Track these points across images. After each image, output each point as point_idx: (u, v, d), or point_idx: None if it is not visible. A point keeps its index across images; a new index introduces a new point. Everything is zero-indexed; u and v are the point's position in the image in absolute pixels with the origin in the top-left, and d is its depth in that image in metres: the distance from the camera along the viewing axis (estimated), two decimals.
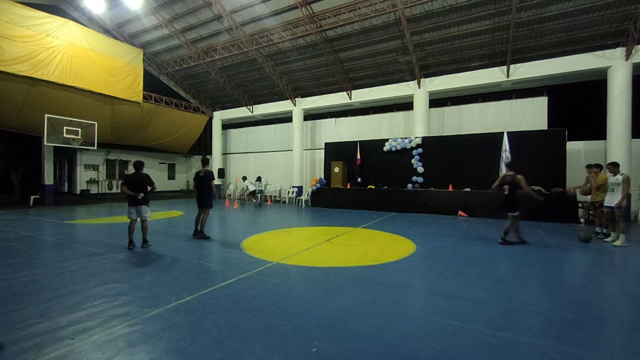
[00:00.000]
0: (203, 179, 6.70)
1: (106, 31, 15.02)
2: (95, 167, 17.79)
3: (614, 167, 6.56)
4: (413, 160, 12.28)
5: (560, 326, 2.87)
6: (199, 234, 6.71)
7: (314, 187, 13.68)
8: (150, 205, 6.13)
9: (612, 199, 6.39)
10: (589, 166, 7.70)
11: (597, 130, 10.69)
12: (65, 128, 12.26)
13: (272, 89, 16.78)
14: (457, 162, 11.47)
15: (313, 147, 17.03)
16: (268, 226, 8.68)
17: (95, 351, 2.42)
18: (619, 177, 6.32)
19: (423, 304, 3.45)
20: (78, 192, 16.93)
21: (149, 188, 5.88)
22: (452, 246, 6.13)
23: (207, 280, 4.07)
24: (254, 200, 15.82)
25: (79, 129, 12.75)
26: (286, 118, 17.38)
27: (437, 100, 13.65)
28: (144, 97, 15.14)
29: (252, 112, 17.81)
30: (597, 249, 5.97)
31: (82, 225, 8.57)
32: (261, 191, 17.12)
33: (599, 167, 7.41)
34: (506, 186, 6.44)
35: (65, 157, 17.59)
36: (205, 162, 6.97)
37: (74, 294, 3.57)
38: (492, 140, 10.80)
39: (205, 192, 6.72)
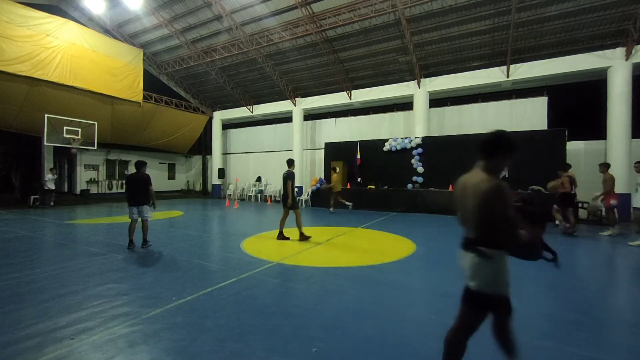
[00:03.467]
0: (284, 180, 6.55)
1: (106, 31, 15.01)
2: (95, 167, 17.78)
3: None
4: (413, 160, 12.26)
5: (561, 326, 2.86)
6: (280, 235, 6.57)
7: (314, 187, 13.67)
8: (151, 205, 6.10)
9: (637, 199, 6.24)
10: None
11: (597, 130, 10.68)
12: (65, 128, 12.26)
13: (272, 89, 16.76)
14: (457, 162, 11.43)
15: (313, 147, 17.01)
16: (268, 226, 8.67)
17: (95, 351, 2.42)
18: None
19: (423, 303, 3.45)
20: (78, 192, 16.91)
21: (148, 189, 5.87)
22: (452, 246, 6.11)
23: (208, 280, 4.07)
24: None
25: (79, 129, 12.74)
26: (286, 118, 17.35)
27: (437, 100, 13.63)
28: (144, 97, 15.14)
29: (252, 112, 17.79)
30: (598, 250, 5.96)
31: (82, 225, 8.56)
32: (261, 191, 17.13)
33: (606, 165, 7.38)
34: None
35: (65, 157, 17.57)
36: (290, 162, 6.76)
37: (74, 294, 3.57)
38: None
39: (284, 192, 6.59)
